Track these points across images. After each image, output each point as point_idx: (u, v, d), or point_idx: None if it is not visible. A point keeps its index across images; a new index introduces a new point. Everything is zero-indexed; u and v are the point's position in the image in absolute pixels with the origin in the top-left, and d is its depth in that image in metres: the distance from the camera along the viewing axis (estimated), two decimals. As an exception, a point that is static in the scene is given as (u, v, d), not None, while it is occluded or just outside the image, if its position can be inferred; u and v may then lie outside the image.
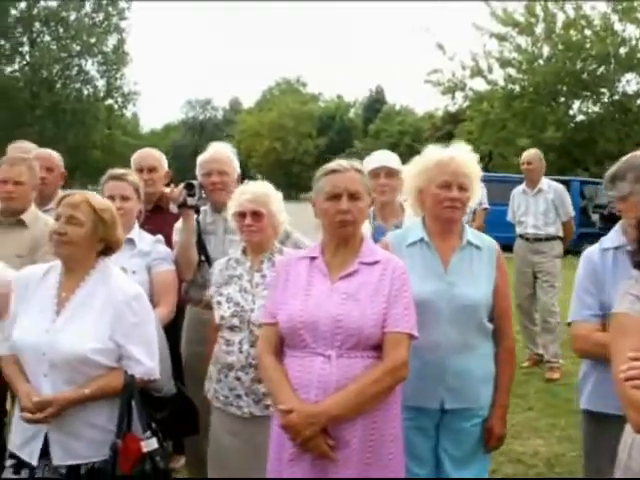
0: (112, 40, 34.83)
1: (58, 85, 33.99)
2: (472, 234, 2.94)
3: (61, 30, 33.88)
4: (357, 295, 2.50)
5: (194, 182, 3.76)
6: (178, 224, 3.84)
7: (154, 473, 2.60)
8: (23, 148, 4.88)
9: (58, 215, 2.71)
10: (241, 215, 3.15)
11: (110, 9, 34.25)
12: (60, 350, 2.59)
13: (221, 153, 3.94)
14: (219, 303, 3.17)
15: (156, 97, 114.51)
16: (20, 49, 34.01)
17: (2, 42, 33.34)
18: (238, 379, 3.06)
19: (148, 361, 2.71)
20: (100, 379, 2.64)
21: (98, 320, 2.65)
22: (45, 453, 2.63)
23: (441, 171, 2.81)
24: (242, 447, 3.04)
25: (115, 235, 2.78)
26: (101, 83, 34.83)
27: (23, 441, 2.68)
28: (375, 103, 67.65)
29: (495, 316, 2.88)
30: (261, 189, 3.21)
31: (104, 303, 2.68)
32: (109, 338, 2.64)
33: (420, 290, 2.66)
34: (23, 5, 33.20)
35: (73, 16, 33.80)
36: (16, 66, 34.26)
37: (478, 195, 2.93)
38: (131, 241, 3.52)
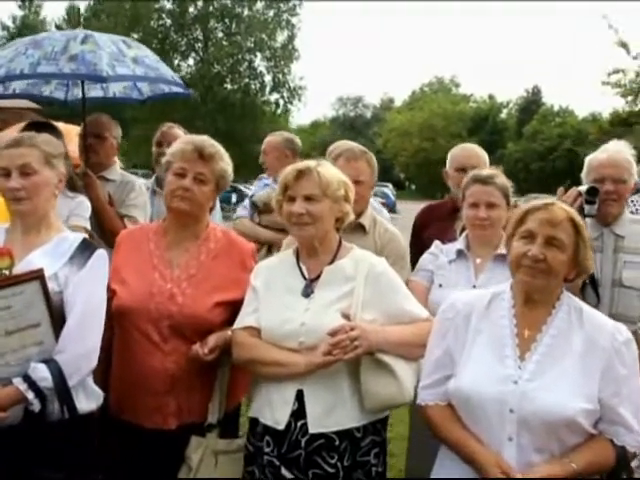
0: (281, 36, 35.30)
1: (228, 80, 34.87)
2: None
3: (234, 26, 34.72)
4: None
5: (598, 187, 3.13)
6: None
7: None
8: None
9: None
10: None
11: (282, 5, 34.67)
12: (538, 408, 2.01)
13: (619, 156, 3.29)
14: None
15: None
16: (195, 45, 35.22)
17: (179, 38, 34.73)
18: None
19: (638, 427, 2.09)
20: (585, 451, 2.05)
21: (583, 371, 2.06)
22: None
23: None
24: None
25: (590, 259, 2.19)
26: (268, 78, 35.41)
27: None
28: (531, 104, 64.94)
29: None
30: None
31: (586, 348, 2.09)
32: (597, 396, 2.05)
33: None
34: (200, 3, 34.33)
35: (246, 12, 34.55)
36: (191, 61, 35.61)
37: None
38: None
